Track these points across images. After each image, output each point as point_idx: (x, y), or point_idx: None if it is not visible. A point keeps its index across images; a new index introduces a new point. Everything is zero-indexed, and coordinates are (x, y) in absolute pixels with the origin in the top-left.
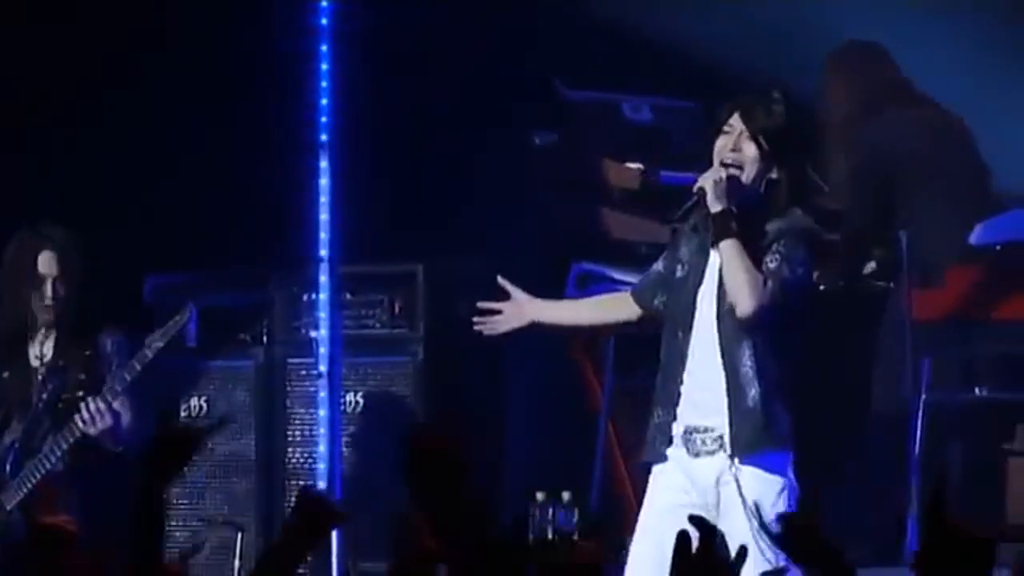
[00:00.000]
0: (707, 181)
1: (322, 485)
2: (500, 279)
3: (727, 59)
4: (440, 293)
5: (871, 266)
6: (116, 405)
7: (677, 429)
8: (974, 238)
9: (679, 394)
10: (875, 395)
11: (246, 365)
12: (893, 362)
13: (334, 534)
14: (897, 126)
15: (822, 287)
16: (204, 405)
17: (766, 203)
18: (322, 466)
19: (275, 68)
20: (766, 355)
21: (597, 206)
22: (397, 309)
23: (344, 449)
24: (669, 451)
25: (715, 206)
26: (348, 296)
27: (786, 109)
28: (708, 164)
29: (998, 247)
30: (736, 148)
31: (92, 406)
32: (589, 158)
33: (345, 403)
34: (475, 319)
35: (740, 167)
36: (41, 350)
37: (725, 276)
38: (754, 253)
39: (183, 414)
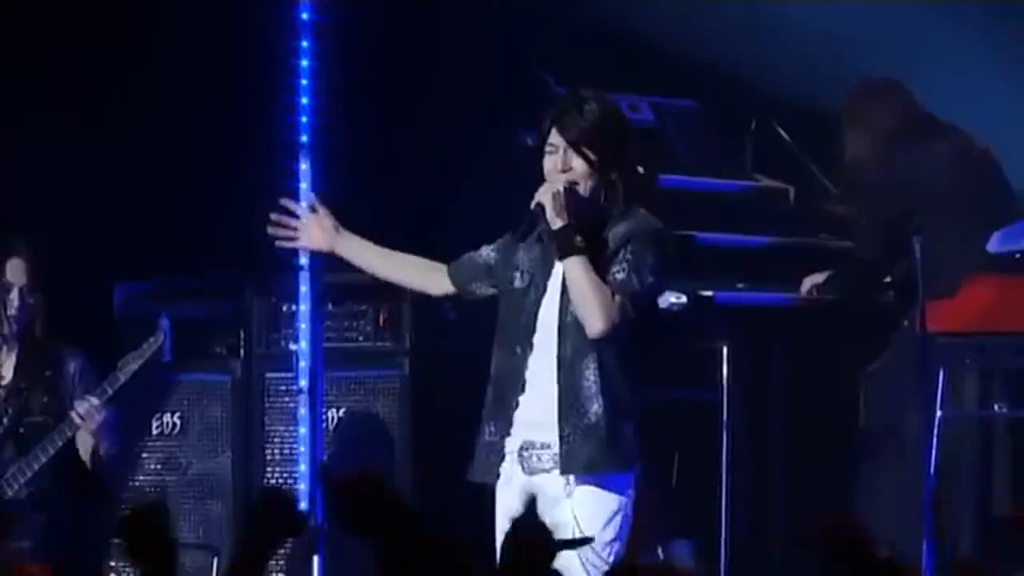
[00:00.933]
0: (545, 196)
1: (302, 506)
2: (310, 197)
3: (729, 55)
4: (427, 304)
5: (886, 280)
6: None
7: (512, 446)
8: (992, 245)
9: (515, 410)
10: (886, 411)
11: (222, 379)
12: (905, 377)
13: (316, 559)
14: (918, 162)
15: (829, 298)
16: (177, 422)
17: (607, 208)
18: (302, 487)
19: (253, 65)
20: (613, 371)
21: None
22: (382, 320)
23: None
24: (503, 468)
25: (556, 222)
26: (330, 306)
27: (599, 108)
28: (710, 168)
29: (1017, 255)
30: (566, 167)
31: (86, 404)
32: None
33: (327, 420)
34: (270, 228)
35: (576, 183)
36: (0, 370)
37: (573, 295)
38: (601, 262)
39: (155, 431)
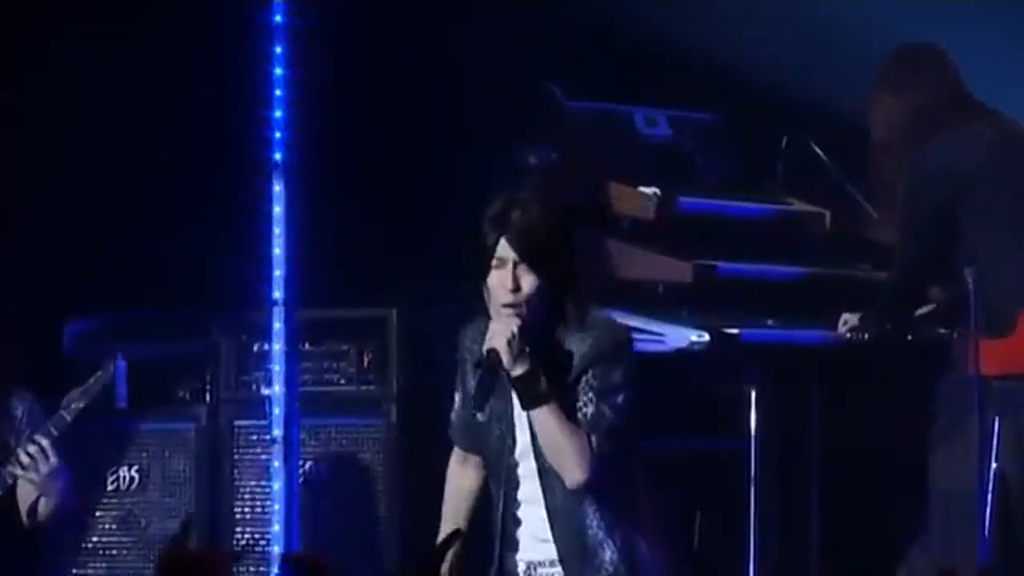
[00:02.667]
0: (498, 340)
1: (275, 571)
2: None
3: (758, 63)
4: (417, 343)
5: (927, 308)
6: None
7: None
8: None
9: (516, 553)
10: (934, 464)
11: (185, 428)
12: (956, 424)
13: None
14: (955, 146)
15: (865, 336)
16: (135, 476)
17: (558, 323)
18: (276, 548)
19: (220, 73)
20: (614, 499)
21: (603, 238)
22: (366, 361)
23: (302, 528)
24: None
25: (516, 369)
26: (307, 346)
27: (542, 211)
28: (736, 189)
29: None
30: (516, 287)
31: (32, 446)
32: (594, 181)
33: (304, 473)
34: None
35: (526, 304)
36: None
37: (545, 448)
38: (563, 387)
39: (110, 487)
